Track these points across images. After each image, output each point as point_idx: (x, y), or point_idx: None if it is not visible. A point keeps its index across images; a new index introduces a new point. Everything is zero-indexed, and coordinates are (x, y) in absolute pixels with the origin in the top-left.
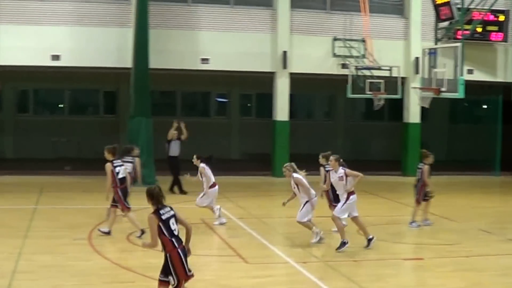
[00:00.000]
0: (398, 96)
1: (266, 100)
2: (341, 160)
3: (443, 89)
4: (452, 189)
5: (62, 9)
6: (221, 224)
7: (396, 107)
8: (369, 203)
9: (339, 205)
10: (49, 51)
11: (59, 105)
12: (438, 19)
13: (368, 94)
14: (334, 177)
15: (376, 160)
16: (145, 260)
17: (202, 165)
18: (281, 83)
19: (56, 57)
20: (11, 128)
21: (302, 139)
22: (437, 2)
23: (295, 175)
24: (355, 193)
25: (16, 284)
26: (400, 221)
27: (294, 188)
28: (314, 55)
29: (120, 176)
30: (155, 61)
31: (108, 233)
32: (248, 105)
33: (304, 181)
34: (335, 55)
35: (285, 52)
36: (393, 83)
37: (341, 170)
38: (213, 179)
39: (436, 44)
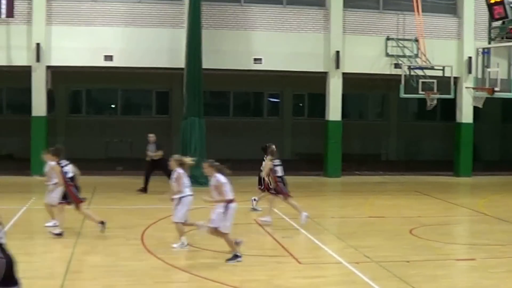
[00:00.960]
0: (450, 96)
1: (319, 100)
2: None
3: (496, 88)
4: (506, 189)
5: (115, 9)
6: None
7: (449, 107)
8: (421, 204)
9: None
10: (102, 51)
11: (112, 106)
12: (492, 18)
13: (421, 94)
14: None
15: (429, 160)
16: (198, 261)
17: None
18: (334, 83)
19: (109, 58)
20: (63, 129)
21: (354, 139)
22: (490, 1)
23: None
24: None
25: (68, 284)
26: (452, 221)
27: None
28: (367, 54)
29: (69, 175)
30: (208, 61)
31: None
32: (300, 105)
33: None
34: (388, 55)
35: (337, 52)
36: (445, 83)
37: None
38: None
39: (489, 43)
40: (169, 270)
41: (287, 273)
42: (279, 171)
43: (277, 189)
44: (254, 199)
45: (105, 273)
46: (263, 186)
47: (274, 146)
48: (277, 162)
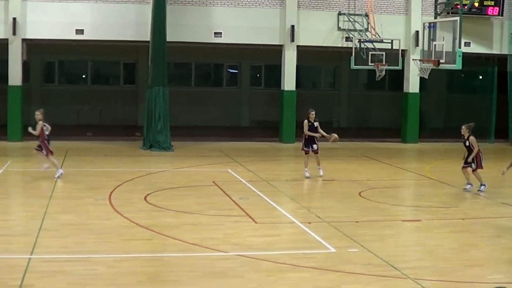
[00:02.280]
0: (398, 68)
1: (275, 71)
2: None
3: (442, 61)
4: (450, 155)
5: None
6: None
7: (397, 77)
8: (370, 168)
9: None
10: (73, 25)
11: (83, 76)
12: None
13: (370, 66)
14: None
15: (378, 127)
16: (162, 220)
17: None
18: (289, 55)
19: (80, 31)
20: (38, 97)
21: (308, 108)
22: None
23: None
24: None
25: (41, 240)
26: (399, 185)
27: None
28: (320, 29)
29: (47, 132)
30: (172, 35)
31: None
32: (258, 75)
33: None
34: (339, 29)
35: (292, 26)
36: (394, 55)
37: None
38: None
39: (435, 18)
40: (134, 228)
41: (244, 231)
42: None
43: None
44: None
45: (76, 230)
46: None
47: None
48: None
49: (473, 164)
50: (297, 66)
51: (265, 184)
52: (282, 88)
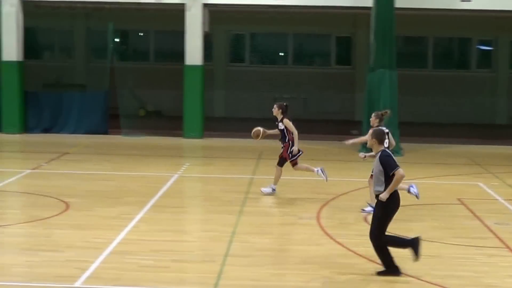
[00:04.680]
0: None
1: None
2: None
3: None
4: None
5: None
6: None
7: None
8: None
9: None
10: None
11: (280, 54)
12: None
13: None
14: None
15: None
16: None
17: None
18: None
19: None
20: (221, 80)
21: None
22: None
23: None
24: None
25: (228, 270)
26: None
27: None
28: None
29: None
30: (402, 0)
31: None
32: None
33: None
34: None
35: None
36: None
37: None
38: None
39: None
40: (351, 258)
41: (502, 270)
42: None
43: None
44: None
45: (273, 258)
46: None
47: None
48: None
49: None
50: None
51: None
52: None
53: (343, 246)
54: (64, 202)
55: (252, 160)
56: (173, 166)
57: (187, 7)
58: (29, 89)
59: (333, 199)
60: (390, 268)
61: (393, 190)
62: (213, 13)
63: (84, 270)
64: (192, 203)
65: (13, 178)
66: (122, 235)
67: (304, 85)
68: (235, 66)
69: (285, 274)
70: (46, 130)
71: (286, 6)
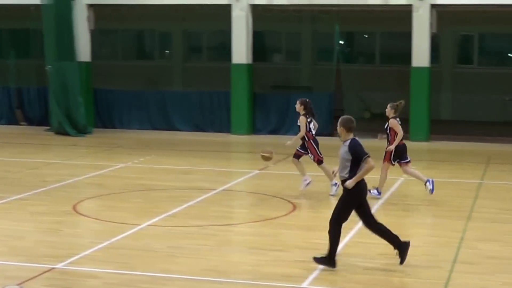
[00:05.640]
0: None
1: None
2: None
3: None
4: None
5: None
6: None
7: None
8: None
9: None
10: None
11: (510, 55)
12: None
13: None
14: None
15: None
16: None
17: None
18: None
19: None
20: (449, 83)
21: None
22: None
23: None
24: None
25: (456, 276)
26: None
27: None
28: None
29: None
30: None
31: None
32: None
33: None
34: None
35: None
36: None
37: None
38: None
39: None
40: None
41: None
42: None
43: None
44: None
45: (500, 266)
46: None
47: None
48: None
49: None
50: None
51: None
52: None
53: None
54: (291, 203)
55: (481, 164)
56: (397, 169)
57: (414, 8)
58: (257, 91)
59: None
60: (330, 258)
61: (361, 179)
62: (440, 14)
63: (310, 271)
64: (418, 207)
65: (242, 178)
66: (347, 238)
67: None
68: (462, 68)
69: None
70: (273, 132)
71: None
